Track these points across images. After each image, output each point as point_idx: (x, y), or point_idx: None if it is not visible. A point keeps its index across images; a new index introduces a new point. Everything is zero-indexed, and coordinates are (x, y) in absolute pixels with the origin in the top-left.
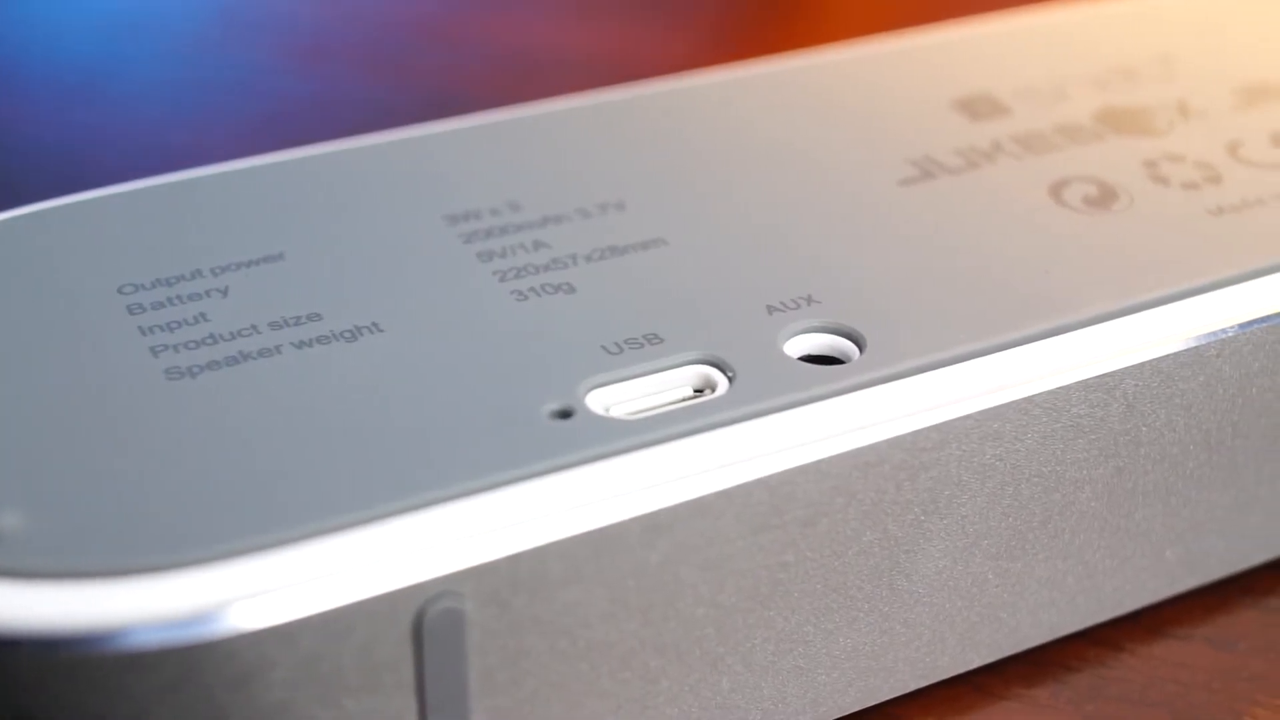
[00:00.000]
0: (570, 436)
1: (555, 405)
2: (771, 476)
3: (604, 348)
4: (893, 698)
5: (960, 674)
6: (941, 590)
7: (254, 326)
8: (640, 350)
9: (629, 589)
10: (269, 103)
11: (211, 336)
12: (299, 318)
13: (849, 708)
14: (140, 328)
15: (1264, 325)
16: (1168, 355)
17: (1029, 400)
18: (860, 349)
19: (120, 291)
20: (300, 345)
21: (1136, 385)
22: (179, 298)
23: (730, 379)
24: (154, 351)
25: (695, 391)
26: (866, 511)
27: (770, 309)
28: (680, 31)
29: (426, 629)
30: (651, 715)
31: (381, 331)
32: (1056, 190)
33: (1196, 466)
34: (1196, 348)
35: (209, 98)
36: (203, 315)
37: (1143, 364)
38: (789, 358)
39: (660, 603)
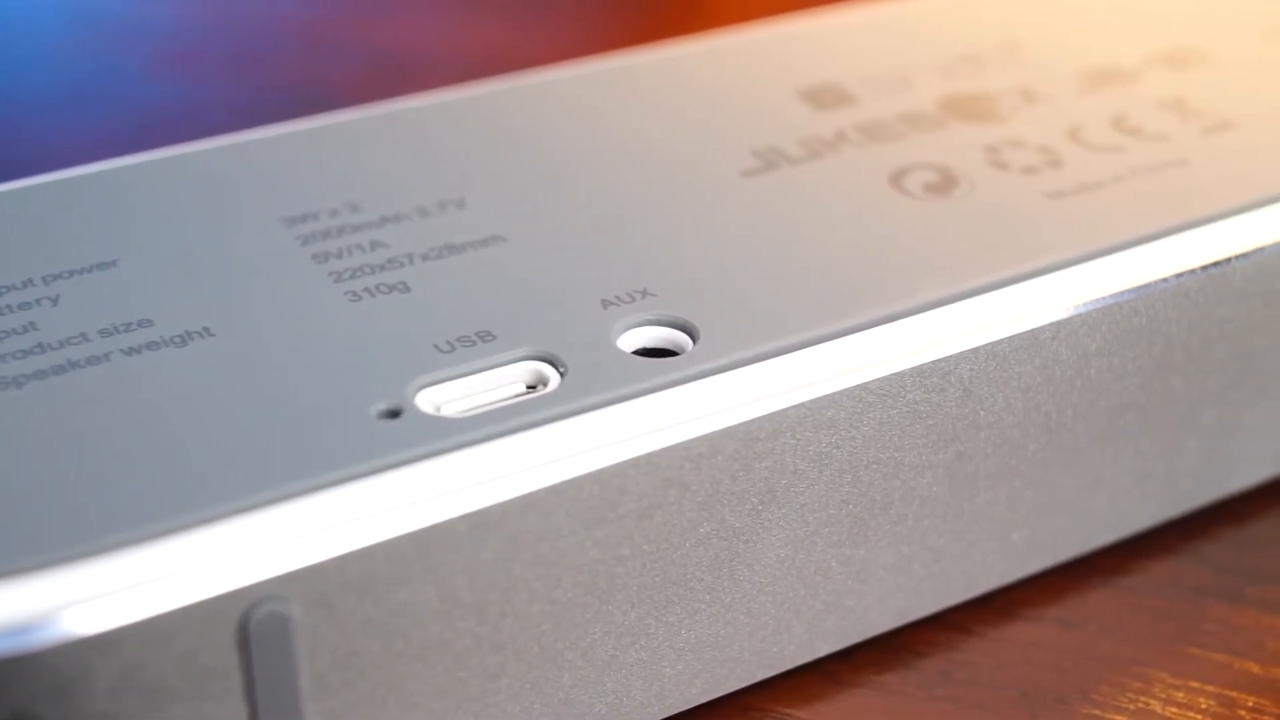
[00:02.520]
0: (397, 436)
1: (384, 405)
2: (602, 470)
3: (436, 346)
4: (741, 688)
5: (808, 662)
6: (784, 579)
7: (83, 334)
8: (472, 348)
9: (461, 587)
10: (137, 109)
11: (40, 346)
12: (129, 324)
13: (696, 699)
14: None
15: (1099, 307)
16: (1002, 339)
17: (863, 387)
18: (694, 341)
19: None
20: (129, 352)
21: (972, 370)
22: (8, 307)
23: (562, 374)
24: None
25: (528, 388)
26: (702, 503)
27: (605, 303)
28: (556, 31)
29: (252, 634)
30: (493, 713)
31: (213, 336)
32: (897, 178)
33: (1038, 449)
34: (1031, 331)
35: (76, 105)
36: (32, 324)
37: (977, 348)
38: (621, 351)
39: (495, 600)
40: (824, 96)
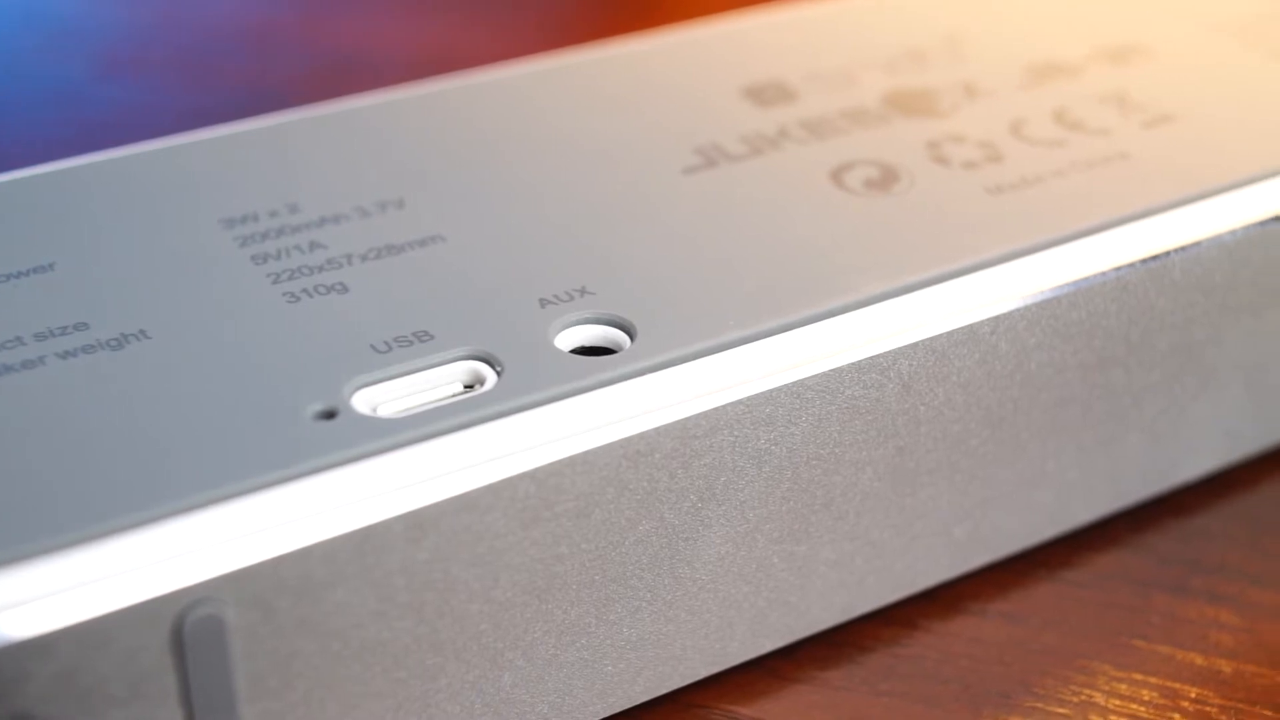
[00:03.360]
0: (333, 437)
1: (319, 406)
2: (538, 470)
3: (373, 347)
4: (684, 685)
5: (753, 659)
6: (725, 576)
7: (18, 339)
8: (409, 348)
9: (398, 588)
10: (86, 112)
11: None
12: (65, 328)
13: (639, 697)
14: None
15: (1037, 301)
16: (941, 334)
17: (800, 384)
18: (631, 339)
19: None
20: (65, 356)
21: (911, 365)
22: None
23: (499, 373)
24: None
25: (465, 387)
26: (640, 501)
27: (543, 302)
28: (506, 31)
29: (186, 636)
30: (433, 713)
31: (149, 339)
32: (838, 174)
33: (980, 444)
34: (970, 325)
35: (26, 107)
36: None
37: (916, 343)
38: (558, 350)
39: (432, 600)
40: (767, 93)
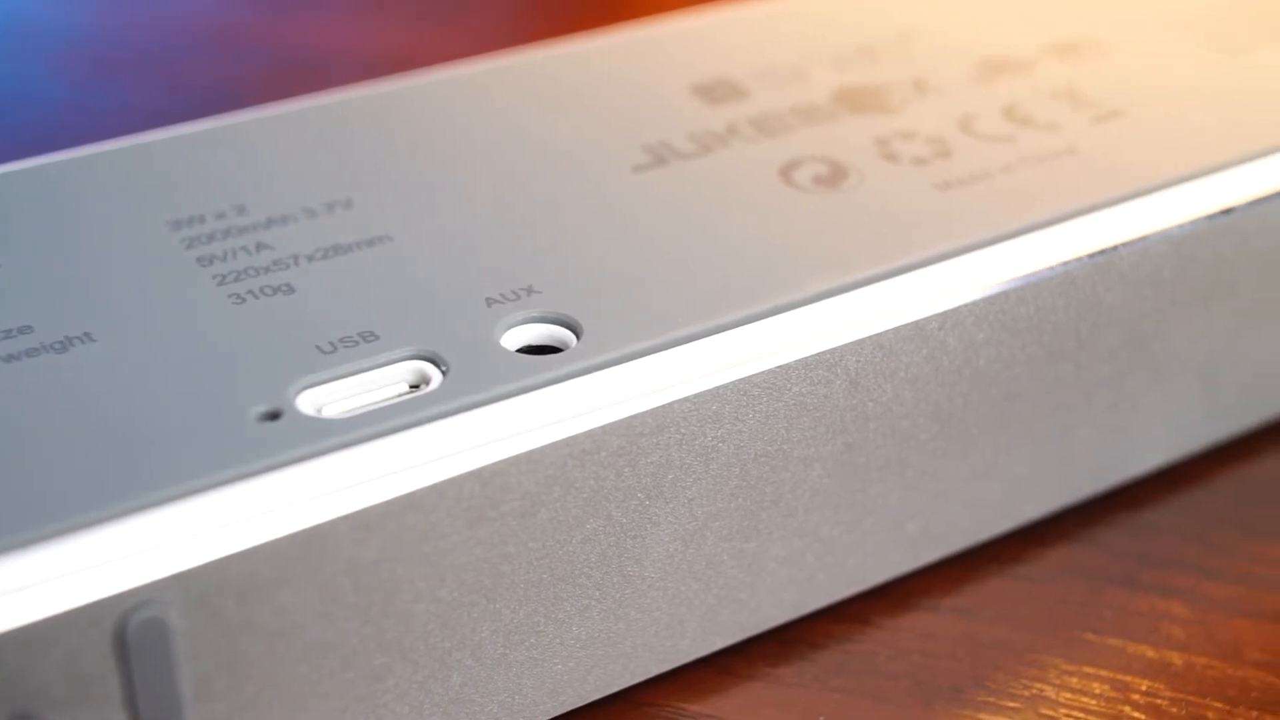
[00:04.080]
0: (277, 438)
1: (264, 407)
2: (483, 469)
3: (318, 347)
4: (635, 683)
5: (704, 656)
6: (675, 574)
7: None
8: (355, 348)
9: (344, 588)
10: (47, 114)
11: None
12: (9, 331)
13: (589, 696)
14: None
15: (985, 296)
16: (888, 330)
17: (746, 381)
18: (578, 337)
19: None
20: (8, 359)
21: (858, 361)
22: None
23: (444, 373)
24: None
25: (411, 387)
26: (587, 500)
27: (490, 301)
28: (462, 29)
29: (130, 639)
30: (381, 714)
31: (94, 341)
32: (787, 171)
33: (929, 439)
34: (917, 321)
35: None
36: None
37: (863, 340)
38: (504, 349)
39: (379, 601)
40: (717, 91)
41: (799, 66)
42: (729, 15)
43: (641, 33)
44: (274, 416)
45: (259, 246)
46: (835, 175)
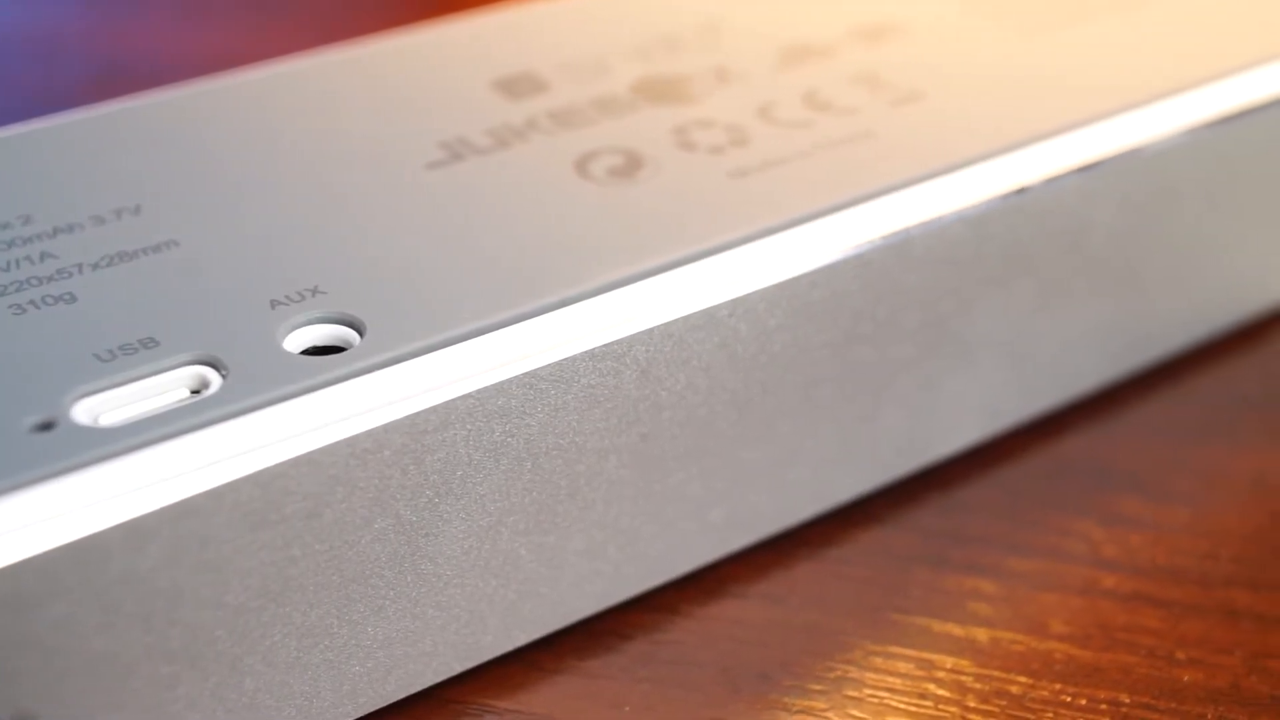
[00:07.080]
0: (47, 448)
1: (37, 418)
2: (261, 472)
3: (97, 356)
4: (439, 681)
5: (510, 651)
6: (472, 570)
7: None
8: (134, 355)
9: (123, 598)
10: None
11: None
12: None
13: (391, 696)
14: None
15: (775, 282)
16: (676, 319)
17: (532, 374)
18: (361, 336)
19: None
20: None
21: (648, 350)
22: None
23: (224, 377)
24: None
25: (192, 393)
26: (373, 499)
27: (274, 303)
28: (288, 31)
29: None
30: None
31: None
32: (583, 164)
33: (728, 426)
34: (706, 310)
35: None
36: None
37: (651, 329)
38: (285, 350)
39: (161, 609)
40: (518, 85)
41: (603, 59)
42: (538, 9)
43: (447, 29)
44: (47, 427)
45: (43, 256)
46: (630, 166)
